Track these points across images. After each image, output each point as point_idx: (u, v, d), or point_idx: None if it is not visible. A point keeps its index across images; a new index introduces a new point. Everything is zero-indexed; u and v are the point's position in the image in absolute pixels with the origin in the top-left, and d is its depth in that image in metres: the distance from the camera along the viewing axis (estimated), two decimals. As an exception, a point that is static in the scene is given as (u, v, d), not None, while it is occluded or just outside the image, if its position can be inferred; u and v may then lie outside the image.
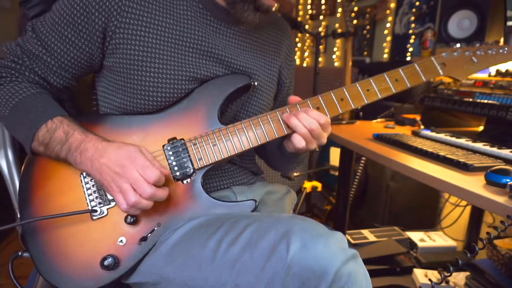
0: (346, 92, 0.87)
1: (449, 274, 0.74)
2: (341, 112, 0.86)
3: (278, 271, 0.62)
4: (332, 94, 0.86)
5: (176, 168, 0.80)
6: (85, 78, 0.94)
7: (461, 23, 1.69)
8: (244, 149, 0.83)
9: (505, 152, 1.01)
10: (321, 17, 4.08)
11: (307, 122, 0.80)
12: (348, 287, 0.61)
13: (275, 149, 1.00)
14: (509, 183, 0.76)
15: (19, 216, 0.84)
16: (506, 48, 1.01)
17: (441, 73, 0.96)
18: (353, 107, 0.87)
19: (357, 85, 0.88)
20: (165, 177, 0.76)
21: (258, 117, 0.84)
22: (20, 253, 0.85)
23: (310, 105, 0.86)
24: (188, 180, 0.81)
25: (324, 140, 0.83)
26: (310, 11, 4.34)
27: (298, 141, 0.81)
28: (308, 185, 2.35)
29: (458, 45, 1.11)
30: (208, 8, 0.88)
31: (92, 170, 0.74)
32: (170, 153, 0.81)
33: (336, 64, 3.87)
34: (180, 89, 0.84)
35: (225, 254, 0.68)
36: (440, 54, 1.00)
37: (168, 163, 0.81)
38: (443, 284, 1.44)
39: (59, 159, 0.79)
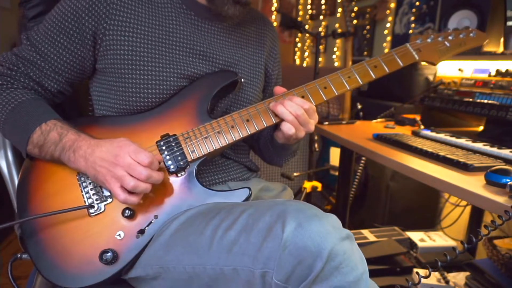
0: (329, 81, 0.92)
1: (445, 263, 0.74)
2: (325, 99, 0.91)
3: (274, 251, 0.62)
4: (315, 83, 0.92)
5: (170, 162, 0.82)
6: (85, 82, 0.96)
7: (461, 23, 1.69)
8: (235, 140, 0.85)
9: (505, 152, 1.01)
10: (321, 17, 4.08)
11: (293, 109, 0.84)
12: (343, 266, 0.61)
13: (267, 144, 1.04)
14: (509, 183, 0.76)
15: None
16: (475, 32, 1.07)
17: (417, 58, 1.02)
18: (336, 94, 0.92)
19: (339, 73, 0.93)
20: (160, 169, 0.78)
21: (247, 109, 0.88)
22: (19, 255, 0.85)
23: (295, 95, 0.89)
24: (183, 172, 0.82)
25: (312, 127, 0.87)
26: (310, 11, 4.33)
27: (288, 129, 0.85)
28: (308, 185, 2.35)
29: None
30: (191, 7, 0.92)
31: (87, 167, 0.76)
32: (164, 148, 0.83)
33: (336, 64, 3.87)
34: (170, 85, 0.87)
35: (221, 239, 0.69)
36: (415, 41, 1.04)
37: (162, 158, 0.82)
38: (443, 284, 1.44)
39: (54, 160, 0.80)
